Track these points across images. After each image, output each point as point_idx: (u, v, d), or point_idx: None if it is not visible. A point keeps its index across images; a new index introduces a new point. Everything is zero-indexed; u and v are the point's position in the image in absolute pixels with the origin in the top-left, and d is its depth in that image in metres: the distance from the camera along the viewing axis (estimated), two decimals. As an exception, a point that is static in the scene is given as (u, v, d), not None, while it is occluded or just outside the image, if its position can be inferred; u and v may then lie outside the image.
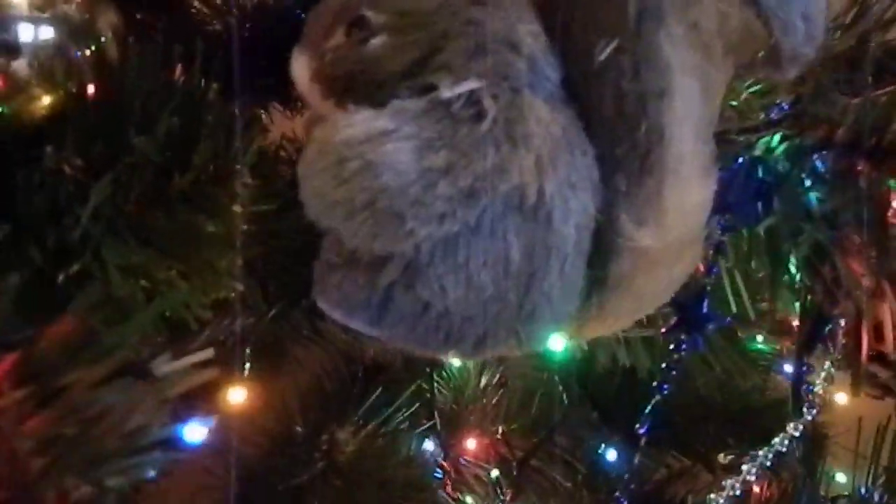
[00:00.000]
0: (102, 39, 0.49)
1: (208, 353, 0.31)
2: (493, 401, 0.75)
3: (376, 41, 0.31)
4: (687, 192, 0.33)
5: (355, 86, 0.32)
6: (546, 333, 0.34)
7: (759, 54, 0.34)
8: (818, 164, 0.39)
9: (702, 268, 0.41)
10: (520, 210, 0.31)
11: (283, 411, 0.61)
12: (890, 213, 0.41)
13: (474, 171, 0.30)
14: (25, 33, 0.45)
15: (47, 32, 0.46)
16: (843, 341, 0.44)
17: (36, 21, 0.45)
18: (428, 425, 0.72)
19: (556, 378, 0.69)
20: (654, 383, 0.48)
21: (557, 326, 0.34)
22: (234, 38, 0.53)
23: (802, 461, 0.59)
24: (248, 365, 0.47)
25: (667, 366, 0.43)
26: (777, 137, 0.39)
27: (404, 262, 0.31)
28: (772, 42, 0.33)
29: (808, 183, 0.39)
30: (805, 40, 0.33)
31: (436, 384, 0.71)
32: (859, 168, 0.37)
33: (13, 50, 0.45)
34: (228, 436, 0.43)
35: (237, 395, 0.46)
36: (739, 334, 0.53)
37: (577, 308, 0.34)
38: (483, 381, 0.74)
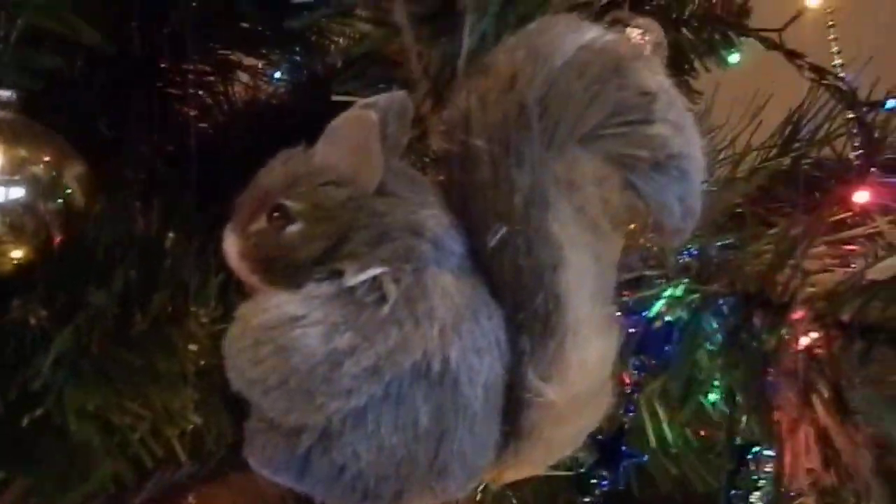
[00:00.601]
0: (69, 192, 0.52)
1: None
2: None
3: (293, 228, 0.34)
4: (587, 350, 0.35)
5: (275, 267, 0.35)
6: (461, 485, 0.36)
7: (644, 227, 0.37)
8: (723, 308, 0.43)
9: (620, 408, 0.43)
10: (426, 378, 0.33)
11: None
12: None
13: (377, 351, 0.33)
14: (-3, 194, 0.49)
15: (17, 192, 0.50)
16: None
17: (6, 183, 0.49)
18: None
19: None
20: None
21: (471, 478, 0.36)
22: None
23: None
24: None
25: (590, 502, 0.46)
26: (682, 287, 0.42)
27: (318, 431, 0.34)
28: (654, 220, 0.36)
29: (713, 325, 0.42)
30: (683, 218, 0.36)
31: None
32: (755, 318, 0.40)
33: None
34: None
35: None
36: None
37: (496, 457, 0.36)
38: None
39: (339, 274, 0.34)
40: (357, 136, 0.34)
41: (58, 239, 0.51)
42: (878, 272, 0.40)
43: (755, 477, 0.52)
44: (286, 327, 0.33)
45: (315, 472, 0.34)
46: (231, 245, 0.36)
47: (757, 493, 0.53)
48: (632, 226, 0.37)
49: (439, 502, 0.37)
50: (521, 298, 0.35)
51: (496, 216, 0.35)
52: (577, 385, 0.35)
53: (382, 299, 0.33)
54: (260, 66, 0.82)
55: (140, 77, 0.70)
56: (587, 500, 0.53)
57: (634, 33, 0.68)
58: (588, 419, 0.37)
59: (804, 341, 0.39)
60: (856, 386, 0.38)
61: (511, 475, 0.38)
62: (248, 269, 0.36)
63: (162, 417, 0.50)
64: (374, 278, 0.33)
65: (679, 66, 0.79)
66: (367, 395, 0.33)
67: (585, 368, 0.36)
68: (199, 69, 0.74)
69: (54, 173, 0.52)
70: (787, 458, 0.45)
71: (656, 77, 0.36)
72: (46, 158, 0.52)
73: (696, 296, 0.42)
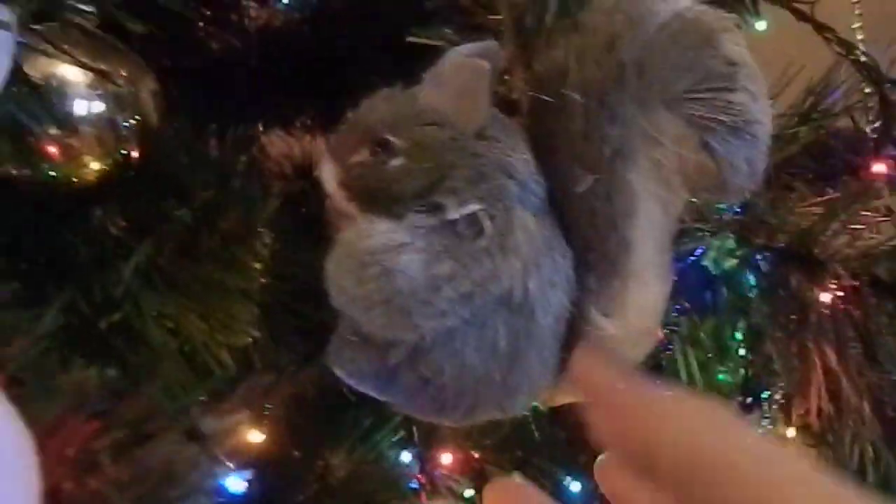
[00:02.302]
0: (144, 108, 0.54)
1: (242, 414, 0.37)
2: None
3: (395, 162, 0.37)
4: (646, 293, 0.39)
5: (375, 198, 0.37)
6: (524, 403, 0.40)
7: (710, 185, 0.41)
8: (760, 262, 0.47)
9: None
10: (507, 306, 0.37)
11: (283, 437, 0.67)
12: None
13: (472, 279, 0.36)
14: (80, 108, 0.51)
15: (99, 107, 0.52)
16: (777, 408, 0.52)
17: (89, 97, 0.51)
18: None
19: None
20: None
21: (534, 397, 0.40)
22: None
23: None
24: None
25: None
26: (727, 241, 0.46)
27: (409, 348, 0.37)
28: (720, 179, 0.39)
29: (750, 278, 0.46)
30: (747, 178, 0.39)
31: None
32: (790, 274, 0.44)
33: (69, 123, 0.51)
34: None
35: (257, 437, 0.53)
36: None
37: (553, 381, 0.39)
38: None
39: (439, 208, 0.36)
40: (467, 82, 0.37)
41: (135, 153, 0.54)
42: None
43: (765, 416, 0.57)
44: (392, 252, 0.36)
45: (400, 383, 0.38)
46: (329, 172, 0.38)
47: (760, 431, 0.59)
48: (699, 183, 0.40)
49: (503, 416, 0.40)
50: (592, 241, 0.38)
51: (583, 165, 0.38)
52: (633, 323, 0.39)
53: (479, 233, 0.36)
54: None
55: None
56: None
57: None
58: (637, 353, 0.41)
59: (838, 298, 0.43)
60: (886, 340, 0.42)
61: (561, 398, 0.42)
62: (345, 196, 0.38)
63: (226, 329, 0.54)
64: (472, 213, 0.36)
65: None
66: (459, 319, 0.36)
67: (642, 309, 0.39)
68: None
69: (131, 89, 0.54)
70: (799, 403, 0.49)
71: (740, 48, 0.38)
72: (124, 73, 0.54)
73: (742, 249, 0.46)
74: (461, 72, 0.37)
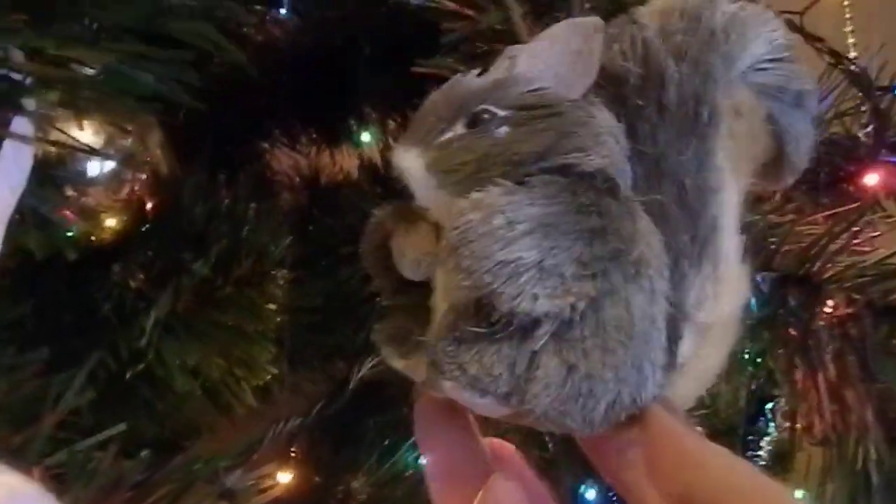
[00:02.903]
0: (154, 162, 0.56)
1: (272, 466, 0.39)
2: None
3: (502, 130, 0.33)
4: (733, 274, 0.36)
5: (486, 169, 0.33)
6: (649, 402, 0.34)
7: (770, 163, 0.38)
8: (759, 281, 0.48)
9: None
10: (636, 279, 0.33)
11: (304, 467, 0.69)
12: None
13: (620, 234, 0.32)
14: (93, 168, 0.53)
15: (110, 165, 0.54)
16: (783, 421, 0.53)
17: (102, 156, 0.53)
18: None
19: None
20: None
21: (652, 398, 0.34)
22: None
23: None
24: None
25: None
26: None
27: (556, 324, 0.32)
28: (783, 153, 0.38)
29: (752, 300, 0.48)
30: (802, 155, 0.38)
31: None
32: (789, 295, 0.46)
33: (84, 183, 0.52)
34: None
35: (284, 478, 0.55)
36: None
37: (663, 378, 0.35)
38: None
39: (563, 169, 0.33)
40: (581, 40, 0.35)
41: (150, 206, 0.56)
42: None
43: (770, 424, 0.59)
44: (540, 206, 0.32)
45: (542, 376, 0.32)
46: (413, 160, 0.34)
47: (767, 438, 0.60)
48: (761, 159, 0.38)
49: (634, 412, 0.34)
50: (682, 222, 0.36)
51: (678, 134, 0.35)
52: (725, 308, 0.36)
53: (613, 190, 0.33)
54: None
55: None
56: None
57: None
58: (727, 346, 0.37)
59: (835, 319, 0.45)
60: (881, 360, 0.44)
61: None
62: (438, 182, 0.33)
63: (245, 368, 0.56)
64: (603, 170, 0.33)
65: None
66: (609, 282, 0.32)
67: (731, 292, 0.36)
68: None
69: (139, 143, 0.56)
70: (804, 410, 0.50)
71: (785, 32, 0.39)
72: (130, 128, 0.56)
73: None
74: (573, 31, 0.35)
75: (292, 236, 0.59)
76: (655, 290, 0.34)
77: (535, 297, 0.31)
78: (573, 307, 0.32)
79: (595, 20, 0.35)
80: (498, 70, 0.35)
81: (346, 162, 0.97)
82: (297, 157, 0.97)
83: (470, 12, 0.44)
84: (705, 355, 0.36)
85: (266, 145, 0.90)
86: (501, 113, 0.33)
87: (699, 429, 0.41)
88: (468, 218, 0.32)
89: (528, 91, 0.34)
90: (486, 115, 0.33)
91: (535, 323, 0.32)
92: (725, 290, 0.36)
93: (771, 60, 0.38)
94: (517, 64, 0.35)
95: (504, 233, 0.31)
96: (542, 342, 0.32)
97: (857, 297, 0.44)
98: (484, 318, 0.32)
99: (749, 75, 0.38)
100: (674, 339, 0.35)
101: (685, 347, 0.35)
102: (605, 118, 0.35)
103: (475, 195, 0.32)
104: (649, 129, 0.36)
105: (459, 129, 0.34)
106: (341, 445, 0.70)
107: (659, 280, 0.34)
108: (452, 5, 0.44)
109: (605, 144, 0.34)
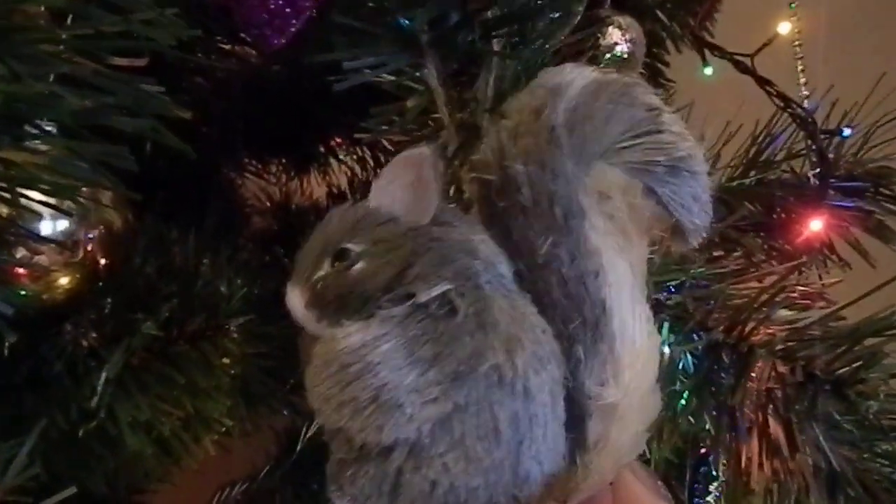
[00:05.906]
0: (106, 219, 0.57)
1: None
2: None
3: (358, 266, 0.37)
4: (635, 351, 0.38)
5: (345, 304, 0.37)
6: (537, 493, 0.38)
7: (667, 231, 0.41)
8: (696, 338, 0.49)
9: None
10: (500, 386, 0.36)
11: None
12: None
13: (456, 357, 0.35)
14: (45, 228, 0.53)
15: (63, 224, 0.54)
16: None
17: (53, 216, 0.54)
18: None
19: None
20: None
21: (546, 487, 0.38)
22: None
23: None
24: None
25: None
26: (666, 327, 0.48)
27: (409, 445, 0.36)
28: (674, 221, 0.40)
29: (689, 361, 0.49)
30: (699, 215, 0.40)
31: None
32: (722, 355, 0.47)
33: (35, 242, 0.53)
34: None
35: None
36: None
37: (565, 473, 0.39)
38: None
39: (408, 296, 0.36)
40: (414, 171, 0.37)
41: (102, 263, 0.56)
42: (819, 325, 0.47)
43: (714, 473, 0.60)
44: (370, 346, 0.35)
45: (408, 492, 0.36)
46: (296, 297, 0.38)
47: (714, 485, 0.62)
48: (655, 231, 0.41)
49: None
50: (569, 310, 0.38)
51: (539, 231, 0.38)
52: (632, 385, 0.39)
53: (452, 312, 0.36)
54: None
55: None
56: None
57: (616, 32, 0.74)
58: (645, 419, 0.40)
59: (764, 382, 0.46)
60: (804, 424, 0.45)
61: (583, 490, 0.40)
62: (316, 317, 0.38)
63: (200, 424, 0.57)
64: (443, 295, 0.36)
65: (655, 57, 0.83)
66: (452, 403, 0.35)
67: (636, 368, 0.39)
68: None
69: (91, 202, 0.56)
70: (744, 462, 0.52)
71: (654, 97, 0.40)
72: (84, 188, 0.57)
73: (677, 335, 0.48)
74: (405, 165, 0.37)
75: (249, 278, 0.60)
76: (530, 387, 0.36)
77: (380, 429, 0.35)
78: (420, 430, 0.35)
79: (422, 151, 0.37)
80: (357, 206, 0.38)
81: (316, 190, 0.99)
82: (266, 186, 0.99)
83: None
84: (617, 433, 0.38)
85: (234, 175, 0.92)
86: (356, 249, 0.37)
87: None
88: (312, 366, 0.37)
89: (380, 225, 0.37)
90: (345, 252, 0.37)
91: (390, 447, 0.35)
92: (627, 369, 0.38)
93: (634, 136, 0.39)
94: (371, 199, 0.38)
95: (342, 375, 0.35)
96: (397, 464, 0.36)
97: (784, 364, 0.46)
98: (351, 445, 0.36)
99: (612, 156, 0.39)
100: (580, 418, 0.38)
101: (595, 427, 0.38)
102: (459, 233, 0.38)
103: (319, 346, 0.37)
104: (519, 227, 0.38)
105: (326, 266, 0.38)
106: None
107: (539, 374, 0.36)
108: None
109: (453, 264, 0.37)
